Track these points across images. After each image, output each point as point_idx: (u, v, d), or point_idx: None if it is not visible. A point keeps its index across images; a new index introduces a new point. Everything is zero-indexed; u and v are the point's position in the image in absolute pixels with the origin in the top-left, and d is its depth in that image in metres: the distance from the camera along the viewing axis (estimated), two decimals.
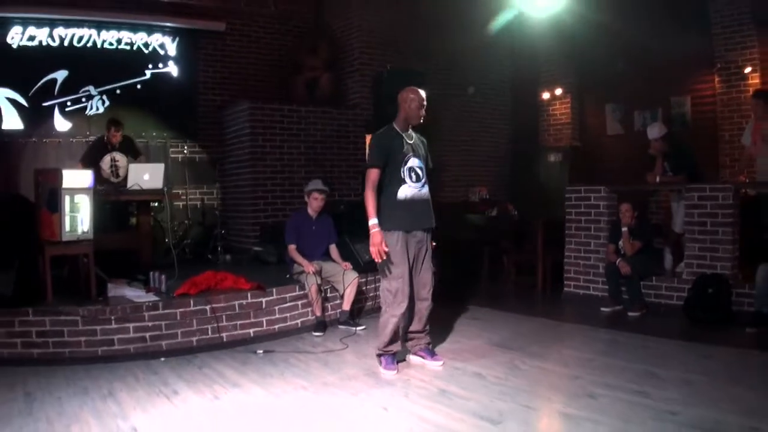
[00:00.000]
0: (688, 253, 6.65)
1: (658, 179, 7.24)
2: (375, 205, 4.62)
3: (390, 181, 4.67)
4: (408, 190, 4.65)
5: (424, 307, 4.80)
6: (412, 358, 4.93)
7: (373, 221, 4.58)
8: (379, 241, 4.54)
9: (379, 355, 4.77)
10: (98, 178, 6.60)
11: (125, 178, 6.88)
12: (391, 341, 4.73)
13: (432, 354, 4.93)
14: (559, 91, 11.24)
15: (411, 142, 4.77)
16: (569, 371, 4.64)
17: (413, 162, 4.70)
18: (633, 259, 6.60)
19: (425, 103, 4.75)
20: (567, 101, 11.20)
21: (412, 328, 4.88)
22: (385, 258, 4.57)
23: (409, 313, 4.78)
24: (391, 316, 4.63)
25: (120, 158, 7.07)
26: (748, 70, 8.51)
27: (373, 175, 4.65)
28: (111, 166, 6.97)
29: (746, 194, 6.78)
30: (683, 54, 9.08)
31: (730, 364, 4.73)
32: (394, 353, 4.78)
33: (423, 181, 4.74)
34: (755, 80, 8.43)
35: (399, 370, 4.68)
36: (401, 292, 4.60)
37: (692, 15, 8.78)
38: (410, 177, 4.67)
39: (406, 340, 4.94)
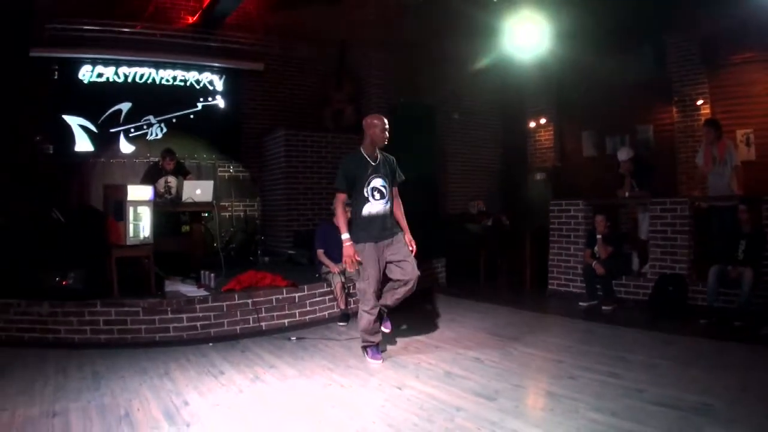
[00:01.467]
0: (651, 257, 6.63)
1: (627, 194, 7.21)
2: (345, 223, 4.50)
3: (356, 199, 4.54)
4: (371, 207, 4.48)
5: (402, 291, 4.55)
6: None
7: (345, 236, 4.43)
8: (351, 253, 4.41)
9: (364, 347, 4.64)
10: (157, 193, 6.64)
11: (177, 194, 6.94)
12: (372, 332, 4.55)
13: (384, 320, 4.78)
14: (543, 120, 11.21)
15: (375, 163, 4.53)
16: (553, 356, 4.61)
17: (376, 182, 4.49)
18: (606, 261, 6.56)
19: (387, 126, 4.52)
20: (550, 129, 11.16)
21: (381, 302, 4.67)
22: (358, 267, 4.46)
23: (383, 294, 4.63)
24: (363, 312, 4.49)
25: (172, 180, 7.12)
26: (699, 102, 8.51)
27: (340, 197, 4.56)
28: (164, 187, 7.04)
29: (700, 206, 6.76)
30: (646, 89, 9.09)
31: (687, 350, 4.71)
32: (377, 344, 4.62)
33: (387, 197, 4.54)
34: (706, 111, 8.41)
35: (384, 359, 4.56)
36: (371, 291, 4.44)
37: (653, 57, 8.78)
38: (373, 195, 4.48)
39: None
